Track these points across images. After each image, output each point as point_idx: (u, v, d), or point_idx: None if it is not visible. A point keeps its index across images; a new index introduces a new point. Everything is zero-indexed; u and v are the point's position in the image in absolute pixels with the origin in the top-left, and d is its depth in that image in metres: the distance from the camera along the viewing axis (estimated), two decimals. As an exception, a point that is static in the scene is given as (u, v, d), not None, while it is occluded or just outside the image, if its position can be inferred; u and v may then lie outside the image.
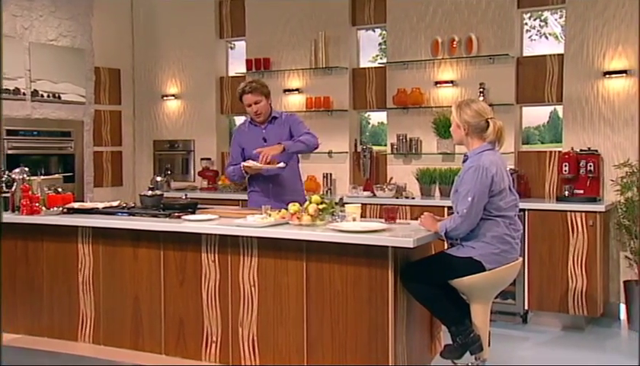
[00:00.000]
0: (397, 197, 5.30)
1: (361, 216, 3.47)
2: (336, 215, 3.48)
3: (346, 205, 3.49)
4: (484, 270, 3.05)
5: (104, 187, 6.62)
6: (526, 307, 4.73)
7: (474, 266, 3.04)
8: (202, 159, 6.53)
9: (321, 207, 3.43)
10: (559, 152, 5.10)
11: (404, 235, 3.11)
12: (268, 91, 4.10)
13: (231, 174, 4.18)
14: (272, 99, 4.16)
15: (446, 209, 4.87)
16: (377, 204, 5.23)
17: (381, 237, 3.06)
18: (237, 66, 6.63)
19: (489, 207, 3.05)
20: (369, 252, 3.11)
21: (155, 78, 6.93)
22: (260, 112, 4.04)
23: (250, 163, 3.93)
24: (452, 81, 5.44)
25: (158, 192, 4.10)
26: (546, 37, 5.71)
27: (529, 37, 5.55)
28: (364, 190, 5.55)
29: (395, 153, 5.67)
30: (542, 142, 5.68)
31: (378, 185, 5.47)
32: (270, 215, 3.48)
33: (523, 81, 5.23)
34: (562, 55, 5.07)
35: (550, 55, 5.20)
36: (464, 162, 3.18)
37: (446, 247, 3.29)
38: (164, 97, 6.86)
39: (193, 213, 3.89)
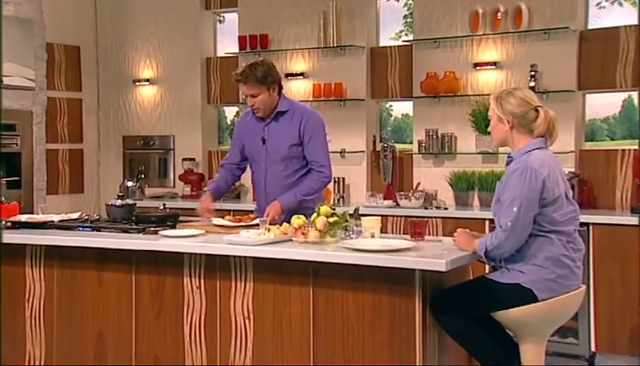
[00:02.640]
0: (426, 208, 5.32)
1: (381, 232, 3.47)
2: (350, 230, 3.49)
3: (362, 218, 3.51)
4: (535, 300, 3.04)
5: (59, 195, 6.68)
6: (592, 348, 4.72)
7: (523, 295, 3.04)
8: (184, 160, 6.58)
9: (331, 220, 3.44)
10: (634, 150, 5.10)
11: (435, 255, 3.11)
12: (273, 79, 3.96)
13: (217, 174, 4.28)
14: (272, 69, 4.06)
15: (487, 222, 4.88)
16: (401, 216, 5.25)
17: (406, 258, 3.07)
18: (227, 45, 6.68)
19: (540, 220, 3.05)
20: (392, 277, 3.11)
21: (124, 59, 6.99)
22: (258, 107, 4.01)
23: (217, 221, 3.96)
24: (495, 63, 5.46)
25: (129, 201, 4.12)
26: (620, 4, 5.63)
27: (597, 4, 5.45)
28: (385, 198, 5.57)
29: (423, 153, 5.69)
30: (612, 139, 5.66)
31: (402, 193, 5.49)
32: (268, 230, 3.50)
33: (587, 61, 5.24)
34: (640, 26, 5.08)
35: (625, 26, 5.16)
36: (508, 164, 3.19)
37: (486, 271, 3.30)
38: (137, 83, 6.91)
39: (173, 227, 3.91)
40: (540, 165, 3.04)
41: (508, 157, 3.22)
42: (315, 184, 4.03)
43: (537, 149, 3.12)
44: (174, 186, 6.73)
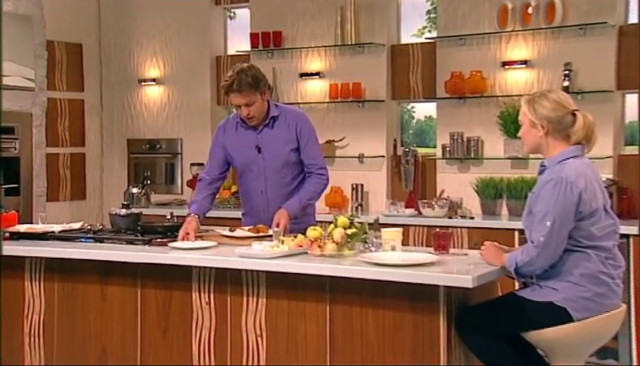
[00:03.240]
0: (450, 217, 5.30)
1: (402, 244, 3.46)
2: (369, 242, 3.48)
3: (382, 229, 3.49)
4: (571, 320, 3.01)
5: (60, 202, 6.71)
6: (633, 370, 4.69)
7: (556, 314, 3.01)
8: (192, 165, 6.59)
9: (349, 231, 3.43)
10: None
11: (461, 270, 3.08)
12: (264, 82, 3.95)
13: (192, 197, 4.22)
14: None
15: (516, 233, 4.86)
16: (423, 226, 5.24)
17: (429, 273, 3.05)
18: (238, 42, 6.69)
19: (576, 235, 3.01)
20: (414, 293, 3.10)
21: (129, 57, 7.02)
22: (254, 115, 3.96)
23: (233, 233, 3.90)
24: (525, 62, 5.43)
25: (134, 211, 4.13)
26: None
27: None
28: (406, 207, 5.56)
29: (447, 158, 5.67)
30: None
31: (425, 201, 5.47)
32: (282, 242, 3.50)
33: (627, 58, 5.18)
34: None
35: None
36: (540, 173, 3.15)
37: (516, 287, 3.27)
38: (142, 83, 6.94)
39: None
40: (576, 176, 3.00)
41: (541, 165, 3.18)
42: (316, 188, 4.06)
43: (573, 157, 3.08)
44: (181, 193, 6.74)
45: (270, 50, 6.21)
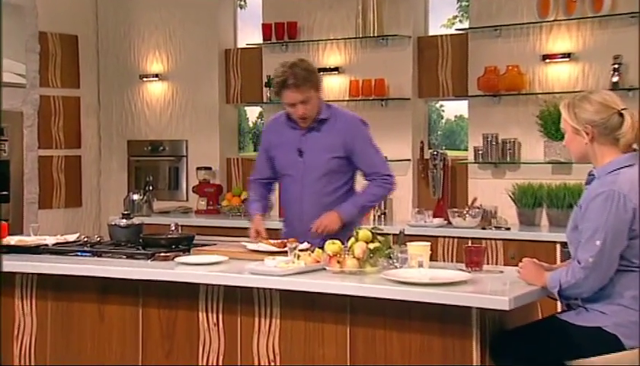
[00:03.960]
0: (483, 228, 5.28)
1: (430, 259, 3.45)
2: (394, 258, 3.47)
3: (409, 244, 3.48)
4: (621, 348, 2.98)
5: (54, 210, 6.74)
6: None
7: (605, 341, 2.98)
8: (198, 169, 6.61)
9: (372, 246, 3.43)
10: None
11: (496, 290, 3.06)
12: (318, 76, 3.99)
13: (249, 198, 4.30)
14: (315, 68, 4.06)
15: (558, 247, 4.84)
16: (453, 238, 5.23)
17: (461, 293, 3.04)
18: (249, 34, 6.71)
19: (628, 254, 2.98)
20: (444, 315, 3.09)
21: (129, 50, 7.05)
22: (308, 115, 4.00)
23: (255, 245, 3.92)
24: (568, 55, 5.41)
25: (134, 221, 4.15)
26: None
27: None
28: (434, 216, 5.54)
29: (480, 162, 5.65)
30: None
31: (455, 210, 5.46)
32: (298, 257, 3.49)
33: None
34: None
35: None
36: (588, 183, 3.12)
37: (559, 309, 3.24)
38: (144, 79, 6.97)
39: (188, 251, 3.92)
40: (630, 189, 2.96)
41: (589, 174, 3.14)
42: (377, 191, 4.07)
43: (627, 166, 3.03)
44: (187, 199, 6.76)
45: (284, 43, 6.22)
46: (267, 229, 5.71)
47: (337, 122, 4.05)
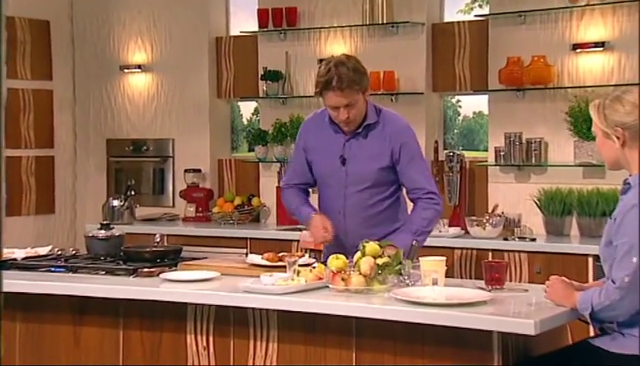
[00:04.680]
0: (505, 238, 5.29)
1: (446, 275, 3.46)
2: (405, 274, 3.48)
3: (422, 259, 3.50)
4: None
5: (23, 217, 6.76)
6: None
7: (642, 370, 3.00)
8: (186, 171, 6.63)
9: (380, 261, 3.44)
10: None
11: (520, 312, 3.07)
12: (367, 78, 3.97)
13: (286, 204, 4.26)
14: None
15: (590, 260, 4.85)
16: (472, 250, 5.25)
17: (480, 315, 3.05)
18: (243, 20, 6.72)
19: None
20: (461, 339, 3.10)
21: (108, 38, 7.06)
22: (352, 119, 3.96)
23: (257, 259, 3.89)
24: (602, 44, 5.41)
25: (115, 232, 4.17)
26: None
27: None
28: (450, 225, 5.56)
29: (501, 164, 5.67)
30: None
31: (473, 218, 5.47)
32: (298, 273, 3.51)
33: None
34: None
35: None
36: (624, 192, 3.11)
37: (591, 334, 3.24)
38: (125, 70, 6.99)
39: (174, 266, 3.94)
40: None
41: (625, 183, 3.13)
42: (427, 215, 4.00)
43: None
44: (173, 205, 6.78)
45: (283, 31, 6.23)
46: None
47: (386, 127, 4.02)
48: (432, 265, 3.44)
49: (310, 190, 4.29)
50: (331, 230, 3.94)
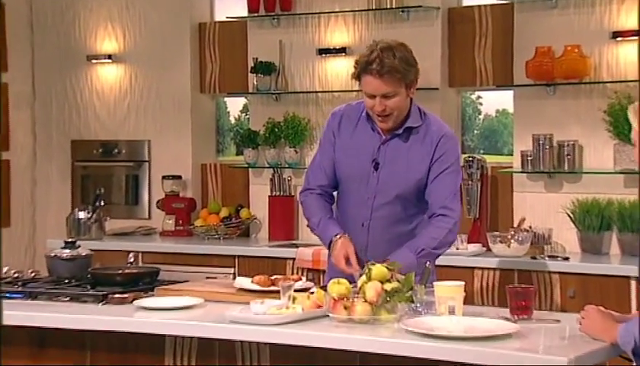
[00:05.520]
0: (534, 257, 5.29)
1: (465, 302, 3.45)
2: (417, 302, 3.48)
3: (436, 284, 3.49)
4: None
5: (-26, 232, 6.73)
6: None
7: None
8: (165, 178, 6.64)
9: (388, 286, 3.43)
10: None
11: (550, 346, 3.07)
12: (416, 71, 3.98)
13: (308, 214, 4.19)
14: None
15: (632, 284, 4.84)
16: (494, 270, 5.24)
17: (504, 350, 3.03)
18: (230, 4, 6.71)
19: None
20: (484, 378, 3.10)
21: (74, 24, 7.06)
22: (391, 113, 3.96)
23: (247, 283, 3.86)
24: (646, 32, 5.42)
25: (81, 250, 4.14)
26: None
27: None
28: (469, 241, 5.56)
29: (529, 171, 5.67)
30: None
31: (496, 233, 5.47)
32: (294, 300, 3.50)
33: None
34: None
35: None
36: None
37: (634, 370, 3.25)
38: (93, 60, 6.99)
39: (151, 291, 3.93)
40: None
41: None
42: (437, 233, 3.96)
43: None
44: (149, 217, 6.79)
45: (276, 16, 6.24)
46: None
47: (430, 132, 4.02)
48: (448, 291, 3.43)
49: (334, 191, 4.21)
50: (355, 265, 3.86)
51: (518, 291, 3.50)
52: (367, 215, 4.04)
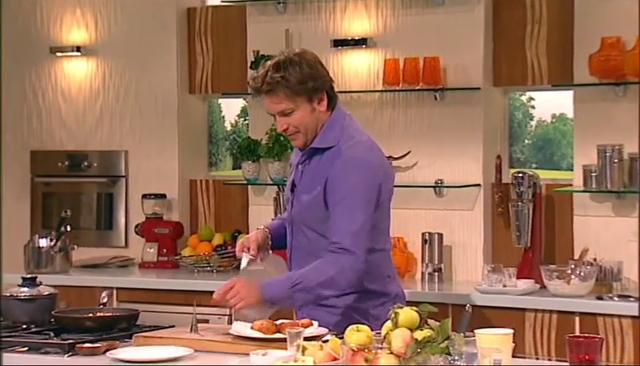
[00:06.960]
0: (600, 297, 5.29)
1: (514, 353, 3.44)
2: (454, 353, 3.47)
3: (478, 332, 3.50)
4: None
5: None
6: None
7: None
8: (145, 197, 6.67)
9: (419, 335, 3.44)
10: None
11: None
12: (319, 80, 4.10)
13: None
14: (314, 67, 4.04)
15: None
16: (551, 313, 5.25)
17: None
18: (224, -15, 6.76)
19: None
20: None
21: (35, 11, 7.11)
22: (296, 131, 4.14)
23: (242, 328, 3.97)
24: None
25: (42, 289, 4.17)
26: None
27: None
28: (519, 277, 5.55)
29: (592, 190, 5.68)
30: None
31: (552, 267, 5.48)
32: (304, 351, 3.50)
33: None
34: None
35: None
36: None
37: None
38: (58, 53, 7.04)
39: (129, 338, 3.94)
40: None
41: None
42: (324, 269, 4.04)
43: None
44: (126, 245, 6.83)
45: (281, 1, 6.27)
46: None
47: (332, 155, 4.12)
48: (493, 341, 3.43)
49: None
50: (253, 248, 4.20)
51: (580, 342, 3.49)
52: (290, 243, 4.28)
